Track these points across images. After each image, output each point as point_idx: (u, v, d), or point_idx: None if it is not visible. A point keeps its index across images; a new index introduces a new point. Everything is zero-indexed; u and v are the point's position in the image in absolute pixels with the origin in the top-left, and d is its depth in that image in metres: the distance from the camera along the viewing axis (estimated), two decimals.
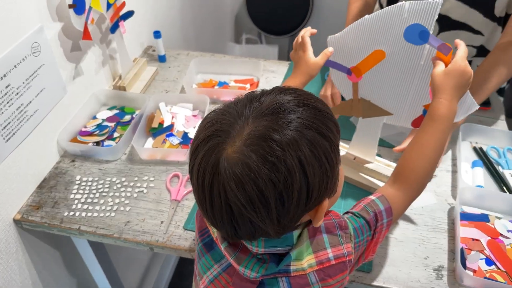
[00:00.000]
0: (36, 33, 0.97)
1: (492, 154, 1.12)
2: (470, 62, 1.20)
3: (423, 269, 0.89)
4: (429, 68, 0.82)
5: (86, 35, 1.04)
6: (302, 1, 2.25)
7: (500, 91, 1.34)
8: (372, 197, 0.73)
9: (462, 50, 0.77)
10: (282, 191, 0.53)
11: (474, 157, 1.11)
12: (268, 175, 0.52)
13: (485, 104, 1.23)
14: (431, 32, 0.78)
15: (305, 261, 0.62)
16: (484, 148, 1.12)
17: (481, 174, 1.05)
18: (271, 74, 1.37)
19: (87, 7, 1.03)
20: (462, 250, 0.91)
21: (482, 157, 1.10)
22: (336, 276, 0.64)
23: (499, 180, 1.05)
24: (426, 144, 0.75)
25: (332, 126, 0.59)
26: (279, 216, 0.55)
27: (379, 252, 0.92)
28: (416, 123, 0.91)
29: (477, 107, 0.83)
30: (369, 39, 0.85)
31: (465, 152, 1.12)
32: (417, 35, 0.79)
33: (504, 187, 1.04)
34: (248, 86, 1.27)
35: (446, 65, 0.77)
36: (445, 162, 1.10)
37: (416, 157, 0.75)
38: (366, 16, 0.83)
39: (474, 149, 1.13)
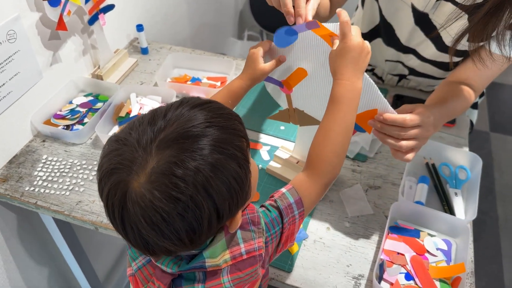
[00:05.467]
0: (12, 22, 1.05)
1: (444, 172, 1.12)
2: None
3: (343, 276, 0.92)
4: None
5: (60, 25, 1.12)
6: None
7: (473, 105, 1.33)
8: (283, 189, 0.73)
9: (353, 28, 0.76)
10: (192, 221, 0.56)
11: (424, 172, 1.12)
12: (175, 209, 0.54)
13: (449, 121, 1.23)
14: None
15: (220, 257, 0.65)
16: (437, 165, 1.13)
17: (424, 191, 1.07)
18: None
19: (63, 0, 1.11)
20: (382, 262, 0.94)
21: (432, 173, 1.11)
22: (246, 269, 0.67)
23: (442, 198, 1.06)
24: (330, 128, 0.74)
25: (239, 142, 0.61)
26: (192, 241, 0.58)
27: (303, 254, 0.96)
28: None
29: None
30: (293, 56, 0.88)
31: (415, 167, 1.13)
32: (285, 36, 0.80)
33: (445, 205, 1.05)
34: (218, 83, 1.32)
35: (331, 35, 0.78)
36: (392, 175, 1.12)
37: (322, 143, 0.74)
38: None
39: (427, 164, 1.14)
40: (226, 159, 0.57)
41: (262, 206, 0.74)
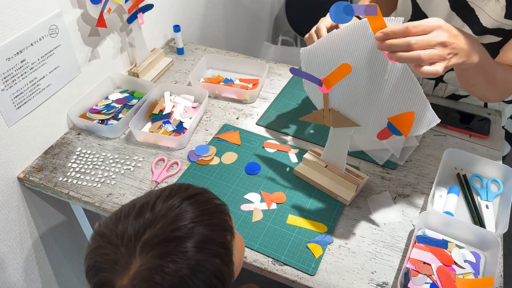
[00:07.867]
0: (55, 17, 1.09)
1: (475, 183, 1.10)
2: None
3: (367, 283, 0.91)
4: (392, 82, 0.84)
5: (100, 22, 1.16)
6: None
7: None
8: None
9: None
10: None
11: (455, 183, 1.10)
12: None
13: (483, 132, 1.20)
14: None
15: None
16: (468, 176, 1.11)
17: (454, 201, 1.05)
18: (276, 77, 1.42)
19: None
20: (408, 271, 0.92)
21: (463, 184, 1.09)
22: None
23: (473, 209, 1.04)
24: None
25: (223, 239, 0.63)
26: None
27: (327, 258, 0.95)
28: (381, 135, 0.92)
29: (438, 120, 0.83)
30: (337, 52, 0.88)
31: (446, 177, 1.11)
32: (342, 12, 0.79)
33: (475, 217, 1.02)
34: (250, 85, 1.33)
35: (383, 26, 0.73)
36: (422, 184, 1.10)
37: None
38: (335, 30, 0.87)
39: (458, 175, 1.11)
40: (208, 259, 0.60)
41: None
